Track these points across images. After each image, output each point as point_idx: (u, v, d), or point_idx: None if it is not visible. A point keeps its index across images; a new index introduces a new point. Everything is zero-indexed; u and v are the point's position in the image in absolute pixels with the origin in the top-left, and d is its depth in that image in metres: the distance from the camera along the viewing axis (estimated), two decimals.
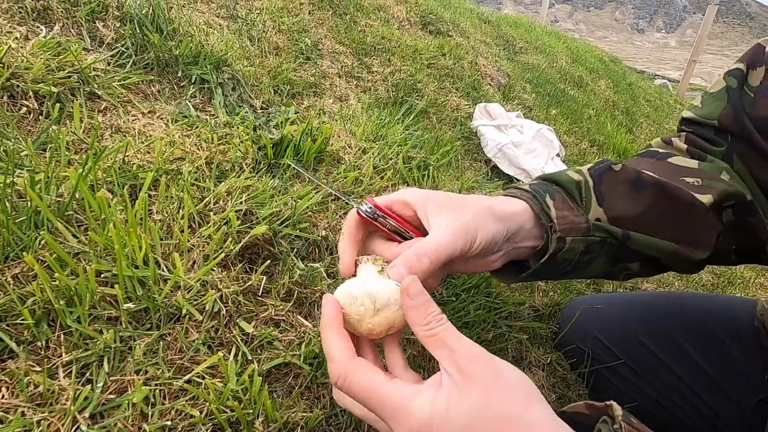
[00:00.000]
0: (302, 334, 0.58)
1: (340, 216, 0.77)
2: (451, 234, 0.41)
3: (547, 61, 3.10)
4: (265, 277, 0.58)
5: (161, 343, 0.47)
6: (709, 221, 0.53)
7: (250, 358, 0.50)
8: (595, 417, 0.37)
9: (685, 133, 0.63)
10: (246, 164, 0.76)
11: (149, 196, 0.62)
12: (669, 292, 0.94)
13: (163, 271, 0.52)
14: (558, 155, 1.65)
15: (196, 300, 0.51)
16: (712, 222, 0.53)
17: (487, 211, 0.46)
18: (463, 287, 0.76)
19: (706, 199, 0.52)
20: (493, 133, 1.48)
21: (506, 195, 0.53)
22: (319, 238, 0.70)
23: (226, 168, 0.74)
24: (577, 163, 1.83)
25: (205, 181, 0.68)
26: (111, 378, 0.43)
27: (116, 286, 0.47)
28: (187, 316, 0.50)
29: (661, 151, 0.62)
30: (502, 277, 0.55)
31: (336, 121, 1.09)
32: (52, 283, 0.45)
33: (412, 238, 0.44)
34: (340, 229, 0.75)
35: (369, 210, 0.41)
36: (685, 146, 0.60)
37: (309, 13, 1.50)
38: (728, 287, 1.47)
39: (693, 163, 0.57)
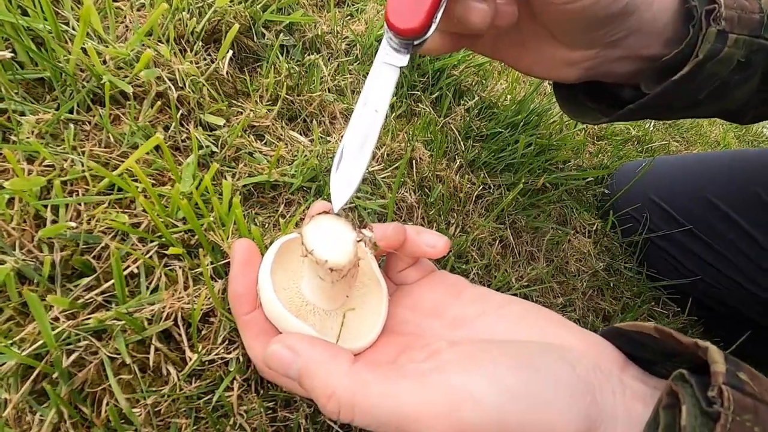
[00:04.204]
0: (296, 152, 0.41)
1: (345, 21, 0.56)
2: None
3: None
4: (232, 54, 0.39)
5: (72, 127, 0.30)
6: None
7: (215, 157, 0.34)
8: (665, 345, 0.21)
9: None
10: None
11: None
12: (754, 149, 0.77)
13: (75, 30, 0.34)
14: None
15: (128, 77, 0.34)
16: None
17: None
18: (507, 122, 0.58)
19: None
20: None
21: None
22: (318, 34, 0.50)
23: None
24: None
25: None
26: None
27: None
28: (126, 99, 0.33)
29: None
30: (576, 111, 0.38)
31: None
32: None
33: None
34: (346, 37, 0.54)
35: None
36: None
37: None
38: None
39: None
